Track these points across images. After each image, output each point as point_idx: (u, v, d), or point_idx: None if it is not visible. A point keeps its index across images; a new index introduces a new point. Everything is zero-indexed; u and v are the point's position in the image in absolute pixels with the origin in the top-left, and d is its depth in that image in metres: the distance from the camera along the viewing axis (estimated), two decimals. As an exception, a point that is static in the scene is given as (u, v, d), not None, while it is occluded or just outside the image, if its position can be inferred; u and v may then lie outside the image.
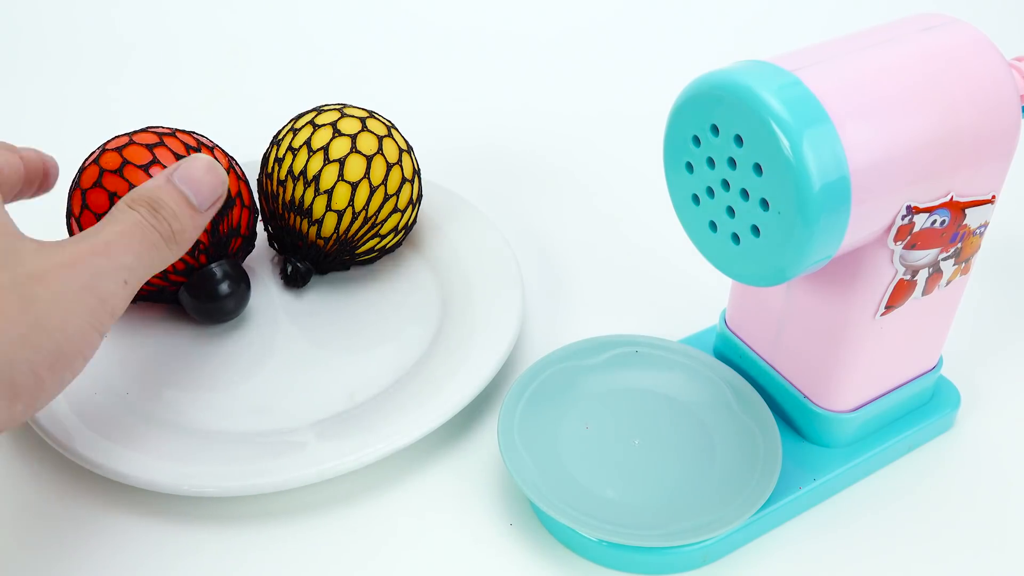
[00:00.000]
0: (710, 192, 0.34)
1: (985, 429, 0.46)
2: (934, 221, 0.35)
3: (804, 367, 0.41)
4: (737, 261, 0.34)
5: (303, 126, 0.50)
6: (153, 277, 0.46)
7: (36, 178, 0.41)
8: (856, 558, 0.40)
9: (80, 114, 0.73)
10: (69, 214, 0.47)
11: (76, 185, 0.46)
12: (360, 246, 0.51)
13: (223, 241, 0.48)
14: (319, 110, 0.51)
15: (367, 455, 0.41)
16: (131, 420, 0.43)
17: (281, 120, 0.60)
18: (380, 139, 0.50)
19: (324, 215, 0.49)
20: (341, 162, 0.48)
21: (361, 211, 0.49)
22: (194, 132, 0.49)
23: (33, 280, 0.30)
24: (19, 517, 0.41)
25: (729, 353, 0.46)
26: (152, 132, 0.47)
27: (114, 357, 0.48)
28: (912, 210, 0.33)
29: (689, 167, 0.34)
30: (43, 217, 0.51)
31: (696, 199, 0.35)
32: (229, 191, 0.47)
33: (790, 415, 0.43)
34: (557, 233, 0.60)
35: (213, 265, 0.48)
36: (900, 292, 0.37)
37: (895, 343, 0.40)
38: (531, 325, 0.52)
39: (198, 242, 0.46)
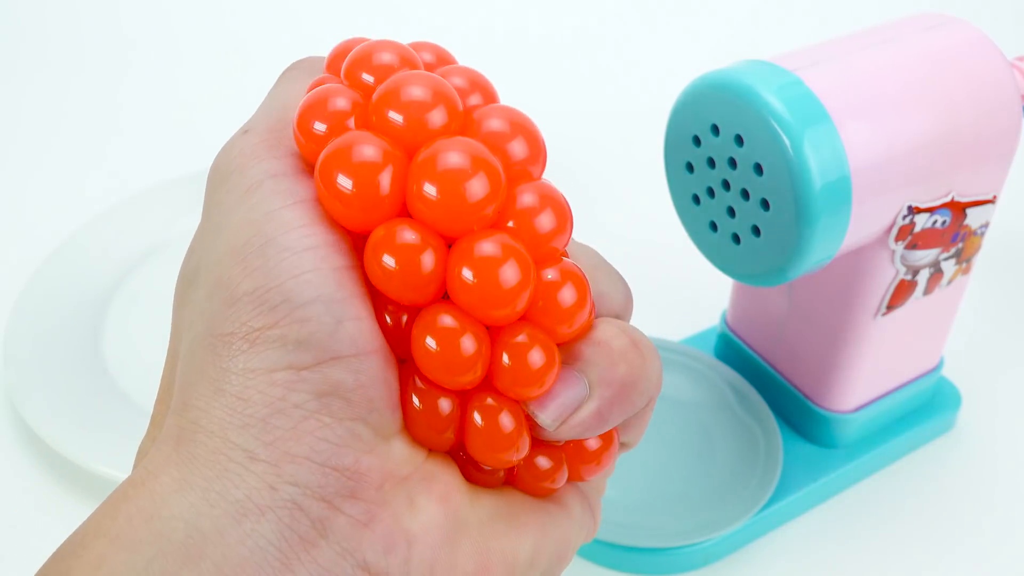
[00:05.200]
0: (710, 192, 0.34)
1: (985, 429, 0.46)
2: (935, 221, 0.35)
3: (805, 367, 0.41)
4: (738, 261, 0.34)
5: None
6: None
7: None
8: (857, 558, 0.40)
9: (81, 113, 0.73)
10: None
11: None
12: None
13: None
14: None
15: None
16: (133, 417, 0.43)
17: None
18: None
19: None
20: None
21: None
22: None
23: None
24: (20, 518, 0.41)
25: (730, 353, 0.46)
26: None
27: (117, 358, 0.48)
28: (913, 210, 0.33)
29: (689, 167, 0.34)
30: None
31: (696, 199, 0.35)
32: None
33: (791, 415, 0.43)
34: (557, 233, 0.60)
35: None
36: (901, 292, 0.37)
37: (896, 343, 0.40)
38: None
39: None
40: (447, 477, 0.19)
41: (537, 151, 0.20)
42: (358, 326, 0.18)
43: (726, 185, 0.33)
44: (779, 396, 0.43)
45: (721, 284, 0.50)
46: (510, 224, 0.19)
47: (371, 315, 0.18)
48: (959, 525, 0.41)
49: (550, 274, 0.19)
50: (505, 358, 0.19)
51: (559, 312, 0.19)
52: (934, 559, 0.40)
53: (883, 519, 0.41)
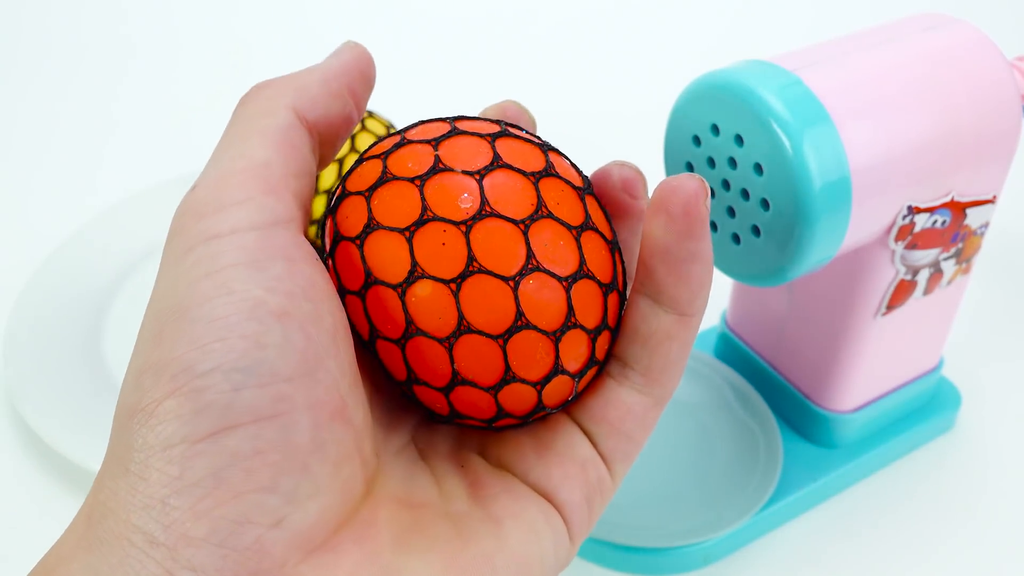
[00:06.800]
0: (710, 192, 0.34)
1: (985, 429, 0.46)
2: (935, 221, 0.35)
3: (805, 367, 0.41)
4: (737, 261, 0.34)
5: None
6: None
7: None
8: (857, 558, 0.40)
9: (81, 113, 0.73)
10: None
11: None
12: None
13: None
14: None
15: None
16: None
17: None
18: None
19: (324, 215, 0.48)
20: (340, 162, 0.48)
21: (361, 211, 0.49)
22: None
23: None
24: (20, 518, 0.41)
25: (730, 353, 0.46)
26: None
27: (117, 358, 0.48)
28: (913, 210, 0.33)
29: (689, 167, 0.34)
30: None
31: (696, 199, 0.35)
32: None
33: (791, 415, 0.43)
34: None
35: None
36: (901, 292, 0.37)
37: (896, 343, 0.40)
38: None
39: None
40: (368, 544, 0.18)
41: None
42: (258, 393, 0.17)
43: (726, 185, 0.33)
44: (779, 396, 0.43)
45: (721, 284, 0.50)
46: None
47: (288, 379, 0.17)
48: (959, 525, 0.41)
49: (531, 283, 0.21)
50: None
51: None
52: (934, 559, 0.40)
53: (883, 519, 0.41)
